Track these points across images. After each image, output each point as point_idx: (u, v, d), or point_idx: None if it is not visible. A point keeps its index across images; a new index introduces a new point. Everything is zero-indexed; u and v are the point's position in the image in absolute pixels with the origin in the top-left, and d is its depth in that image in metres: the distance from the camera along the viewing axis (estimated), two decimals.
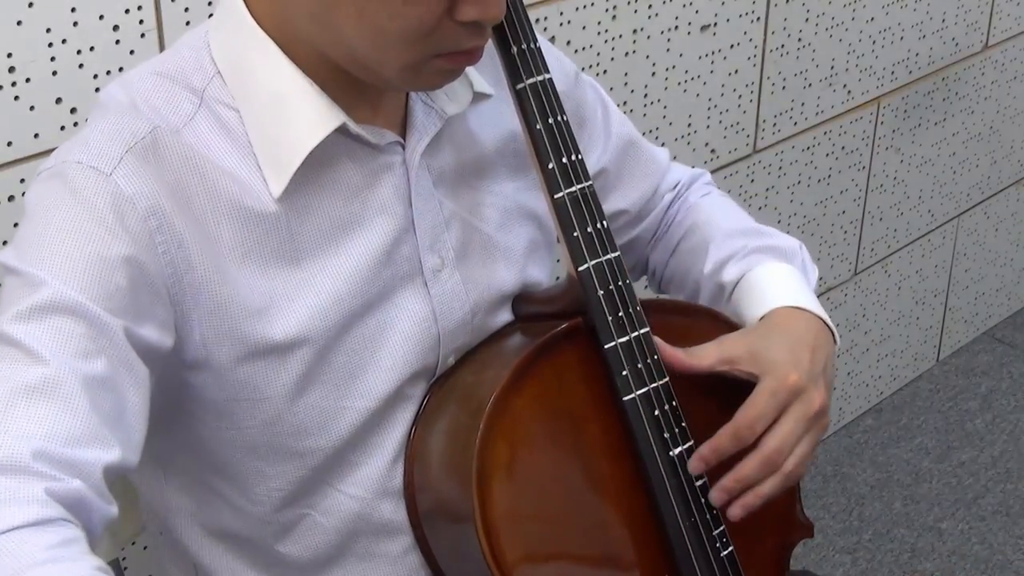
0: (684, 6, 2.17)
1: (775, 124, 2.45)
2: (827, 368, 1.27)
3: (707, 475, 1.22)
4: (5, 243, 1.52)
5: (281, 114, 1.12)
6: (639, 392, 1.19)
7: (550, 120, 1.19)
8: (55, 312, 1.01)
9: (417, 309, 1.21)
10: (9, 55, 1.45)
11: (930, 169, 2.88)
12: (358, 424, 1.19)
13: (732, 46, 2.29)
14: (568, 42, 2.01)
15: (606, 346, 1.18)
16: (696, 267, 1.40)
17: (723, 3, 2.23)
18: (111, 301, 1.03)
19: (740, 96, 2.35)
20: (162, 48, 1.56)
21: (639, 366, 1.19)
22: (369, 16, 1.05)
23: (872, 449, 2.89)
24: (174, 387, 1.13)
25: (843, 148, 2.63)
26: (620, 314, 1.19)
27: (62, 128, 1.51)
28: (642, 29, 2.12)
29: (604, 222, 1.20)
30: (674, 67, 2.20)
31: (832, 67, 2.51)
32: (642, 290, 2.21)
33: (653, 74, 2.17)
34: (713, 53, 2.26)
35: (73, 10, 1.48)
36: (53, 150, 1.35)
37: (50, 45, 1.48)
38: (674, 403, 1.21)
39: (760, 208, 2.49)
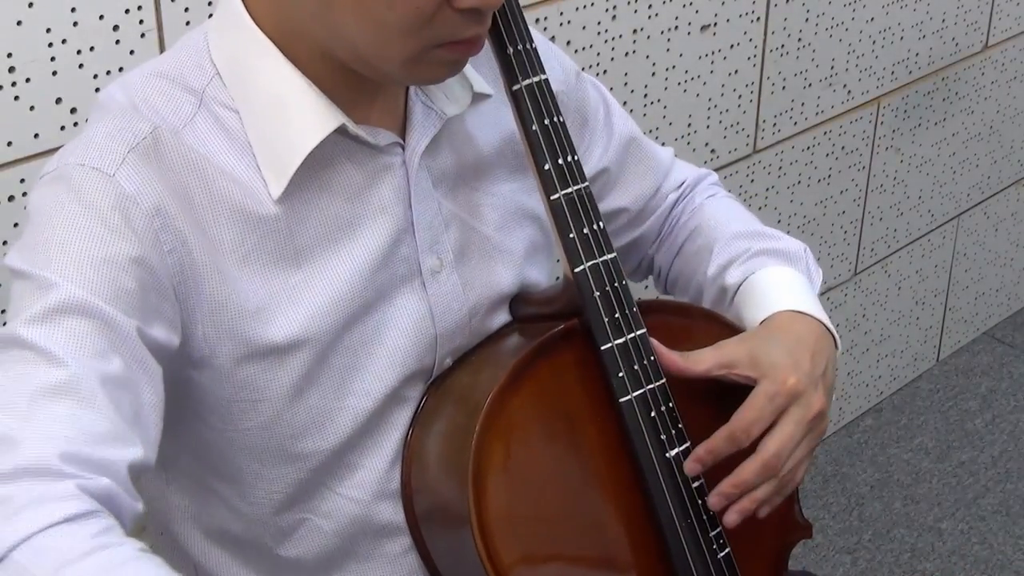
0: (684, 6, 2.17)
1: (775, 124, 2.45)
2: (827, 372, 1.26)
3: (704, 477, 1.22)
4: (5, 243, 1.52)
5: (280, 115, 1.12)
6: (635, 393, 1.19)
7: (546, 121, 1.19)
8: (68, 313, 1.01)
9: (415, 310, 1.21)
10: (9, 55, 1.45)
11: (930, 169, 2.88)
12: (356, 425, 1.19)
13: (732, 46, 2.29)
14: (568, 42, 2.01)
15: (602, 347, 1.18)
16: (700, 269, 1.40)
17: (723, 3, 2.23)
18: (121, 301, 1.03)
19: (740, 96, 2.35)
20: (162, 48, 1.57)
21: (635, 367, 1.19)
22: (368, 7, 1.04)
23: (872, 449, 2.89)
24: (178, 384, 1.13)
25: (843, 148, 2.63)
26: (616, 315, 1.19)
27: (62, 128, 1.51)
28: (642, 29, 2.12)
29: (601, 223, 1.20)
30: (674, 67, 2.20)
31: (832, 67, 2.51)
32: (642, 290, 2.22)
33: (653, 74, 2.17)
34: (713, 53, 2.26)
35: (73, 10, 1.48)
36: (53, 150, 1.36)
37: (50, 45, 1.48)
38: (671, 404, 1.21)
39: (760, 208, 2.49)
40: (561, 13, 1.99)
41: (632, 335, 1.19)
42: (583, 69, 1.40)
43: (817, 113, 2.53)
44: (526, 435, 1.17)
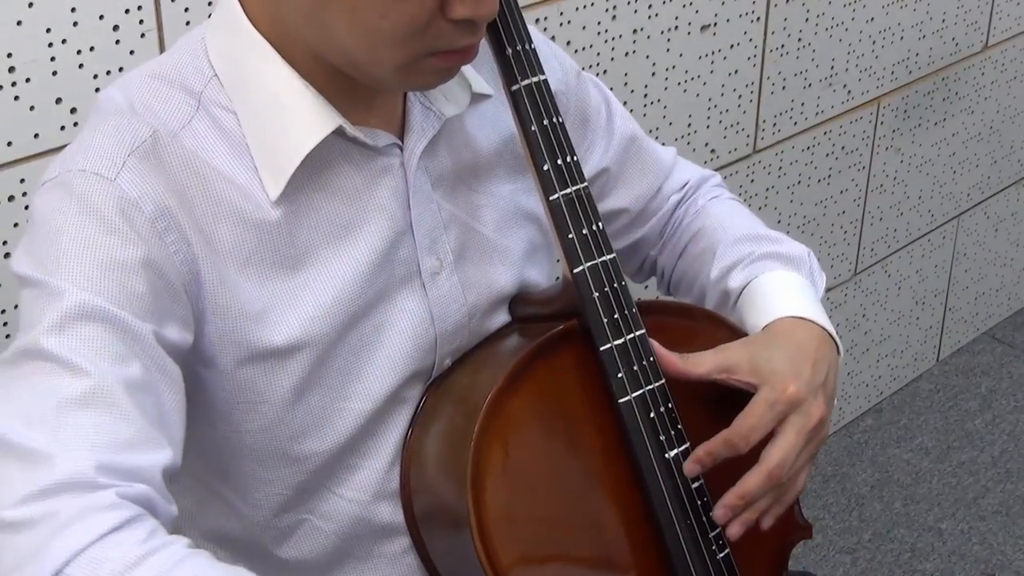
0: (684, 6, 2.17)
1: (775, 124, 2.45)
2: (828, 380, 1.26)
3: (704, 477, 1.22)
4: (5, 243, 1.52)
5: (278, 117, 1.12)
6: (635, 394, 1.19)
7: (545, 122, 1.19)
8: (84, 320, 1.01)
9: (414, 311, 1.21)
10: (9, 55, 1.45)
11: (930, 169, 2.88)
12: (356, 427, 1.19)
13: (732, 46, 2.29)
14: (568, 42, 2.01)
15: (601, 348, 1.18)
16: (703, 272, 1.39)
17: (723, 3, 2.23)
18: (134, 306, 1.03)
19: (740, 96, 2.35)
20: (162, 48, 1.57)
21: (635, 368, 1.19)
22: (361, 15, 1.04)
23: (872, 449, 2.89)
24: (188, 383, 1.13)
25: (843, 148, 2.63)
26: (616, 316, 1.19)
27: (62, 128, 1.51)
28: (642, 29, 2.12)
29: (600, 224, 1.20)
30: (674, 67, 2.20)
31: (832, 67, 2.51)
32: (642, 291, 2.22)
33: (653, 74, 2.17)
34: (713, 53, 2.26)
35: (73, 10, 1.48)
36: (53, 150, 1.36)
37: (50, 45, 1.48)
38: (670, 405, 1.21)
39: (760, 208, 2.49)
40: (561, 13, 1.99)
41: (631, 336, 1.19)
42: (583, 69, 1.40)
43: (817, 113, 2.53)
44: (525, 436, 1.17)
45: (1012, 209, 3.20)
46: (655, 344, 1.21)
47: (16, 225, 1.52)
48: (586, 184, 1.20)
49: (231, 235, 1.11)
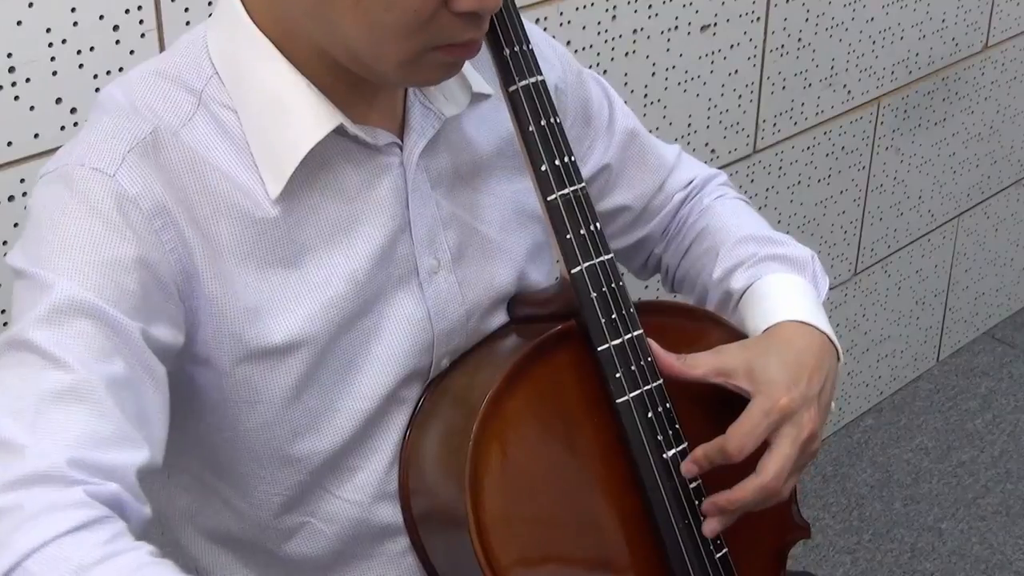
0: (684, 6, 2.17)
1: (775, 124, 2.45)
2: (825, 389, 1.26)
3: (701, 478, 1.22)
4: (5, 243, 1.53)
5: (278, 115, 1.12)
6: (632, 394, 1.19)
7: (543, 122, 1.19)
8: (72, 315, 1.01)
9: (412, 310, 1.21)
10: (9, 55, 1.45)
11: (930, 169, 2.88)
12: (354, 427, 1.19)
13: (732, 46, 2.29)
14: (568, 42, 2.01)
15: (599, 348, 1.18)
16: (705, 272, 1.39)
17: (723, 3, 2.23)
18: (124, 303, 1.03)
19: (740, 96, 2.35)
20: (162, 48, 1.57)
21: (632, 368, 1.19)
22: (365, 8, 1.04)
23: (872, 449, 2.89)
24: (181, 383, 1.13)
25: (843, 148, 2.63)
26: (613, 316, 1.19)
27: (62, 128, 1.51)
28: (642, 29, 2.12)
29: (598, 224, 1.20)
30: (674, 67, 2.20)
31: (832, 67, 2.51)
32: (642, 291, 2.22)
33: (653, 74, 2.17)
34: (713, 53, 2.26)
35: (73, 10, 1.48)
36: (53, 150, 1.35)
37: (50, 45, 1.48)
38: (668, 405, 1.21)
39: (760, 208, 2.49)
40: (561, 13, 1.99)
41: (629, 336, 1.19)
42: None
43: (817, 113, 2.53)
44: (523, 436, 1.17)
45: (1012, 209, 3.20)
46: (653, 344, 1.21)
47: (16, 225, 1.52)
48: (584, 185, 1.20)
49: (230, 232, 1.11)
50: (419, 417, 1.23)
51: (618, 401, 1.19)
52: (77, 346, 1.00)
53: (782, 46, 2.39)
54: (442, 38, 1.07)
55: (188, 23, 1.58)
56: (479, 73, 1.24)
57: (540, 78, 1.19)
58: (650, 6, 2.11)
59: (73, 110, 1.51)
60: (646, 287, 2.22)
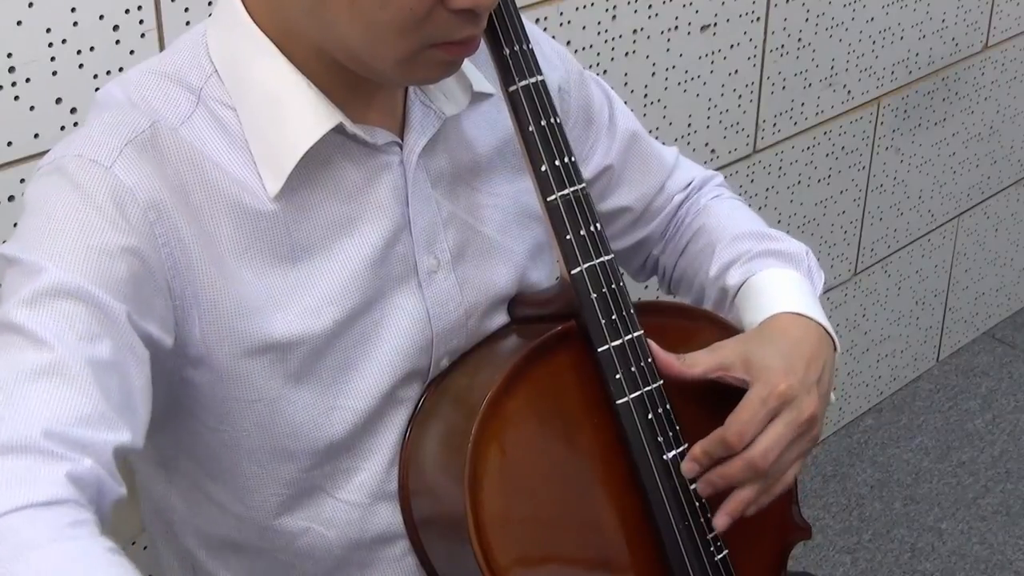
0: (684, 6, 2.17)
1: (775, 124, 2.45)
2: (823, 377, 1.26)
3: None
4: (5, 243, 1.52)
5: (277, 113, 1.12)
6: (632, 396, 1.19)
7: (543, 122, 1.19)
8: (58, 296, 1.00)
9: (411, 310, 1.20)
10: (9, 55, 1.45)
11: (930, 169, 2.88)
12: (351, 426, 1.19)
13: (732, 46, 2.29)
14: (568, 42, 2.01)
15: (599, 349, 1.18)
16: (702, 270, 1.39)
17: (723, 3, 2.23)
18: (112, 287, 1.03)
19: (740, 96, 2.35)
20: (162, 48, 1.57)
21: (632, 369, 1.19)
22: (360, 7, 1.04)
23: (872, 449, 2.89)
24: (176, 384, 1.13)
25: (843, 148, 2.63)
26: (613, 317, 1.19)
27: (62, 128, 1.51)
28: (642, 29, 2.12)
29: (598, 224, 1.20)
30: (674, 67, 2.20)
31: (832, 67, 2.51)
32: (642, 291, 2.22)
33: (653, 74, 2.17)
34: (713, 53, 2.26)
35: (73, 10, 1.48)
36: None
37: (50, 45, 1.48)
38: (667, 406, 1.21)
39: (760, 208, 2.49)
40: (561, 13, 1.99)
41: (629, 337, 1.19)
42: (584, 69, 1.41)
43: (817, 113, 2.53)
44: (523, 437, 1.17)
45: (1012, 209, 3.20)
46: (653, 345, 1.21)
47: (16, 225, 1.52)
48: (584, 185, 1.20)
49: (229, 228, 1.11)
50: (419, 417, 1.23)
51: (618, 402, 1.19)
52: (60, 327, 0.99)
53: (782, 46, 2.39)
54: (439, 35, 1.07)
55: (188, 23, 1.58)
56: (480, 72, 1.24)
57: (540, 78, 1.19)
58: (650, 6, 2.11)
59: (73, 110, 1.51)
60: (645, 287, 2.22)
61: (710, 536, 1.23)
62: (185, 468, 1.22)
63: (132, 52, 1.54)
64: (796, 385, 1.21)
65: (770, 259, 1.34)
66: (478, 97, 1.24)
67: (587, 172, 1.35)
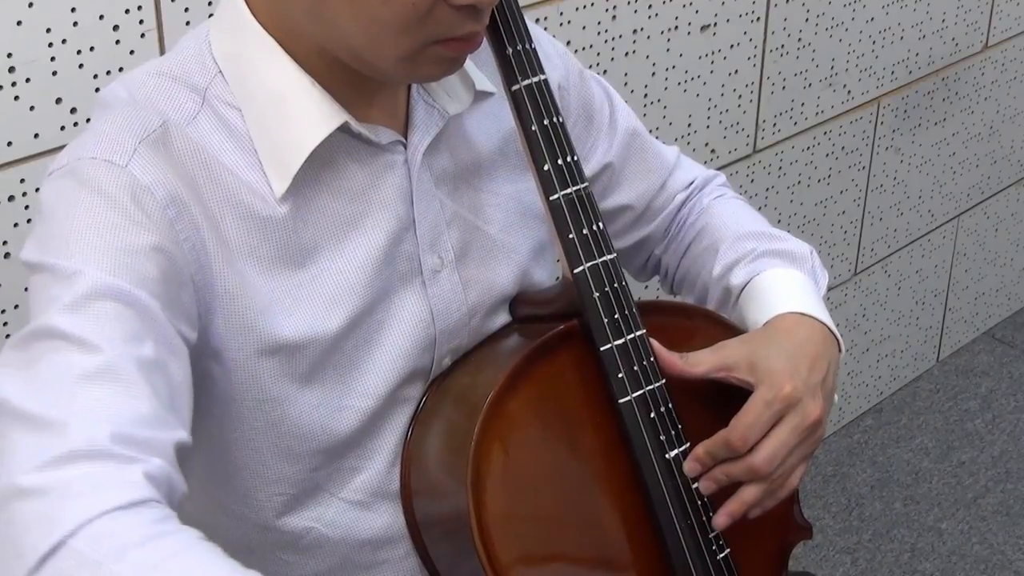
0: (684, 6, 2.17)
1: (775, 124, 2.45)
2: (827, 379, 1.25)
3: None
4: (5, 243, 1.52)
5: (282, 113, 1.12)
6: (635, 394, 1.19)
7: (545, 121, 1.19)
8: (98, 299, 1.00)
9: (415, 309, 1.20)
10: (9, 55, 1.45)
11: (930, 169, 2.88)
12: (356, 425, 1.19)
13: (732, 46, 2.29)
14: (568, 42, 2.01)
15: (602, 348, 1.18)
16: (705, 270, 1.39)
17: (723, 3, 2.23)
18: (148, 286, 1.03)
19: (740, 96, 2.35)
20: (162, 48, 1.57)
21: (635, 368, 1.19)
22: (361, 4, 1.04)
23: (872, 449, 2.89)
24: (199, 379, 1.13)
25: (843, 148, 2.63)
26: (616, 316, 1.19)
27: (62, 128, 1.51)
28: (642, 29, 2.12)
29: (601, 223, 1.20)
30: (674, 67, 2.20)
31: (832, 67, 2.51)
32: (642, 291, 2.22)
33: (653, 74, 2.17)
34: (713, 53, 2.26)
35: (73, 10, 1.48)
36: (53, 150, 1.35)
37: (50, 45, 1.48)
38: (670, 405, 1.20)
39: (760, 208, 2.49)
40: (561, 13, 1.99)
41: (631, 336, 1.19)
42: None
43: (817, 113, 2.53)
44: (525, 436, 1.17)
45: (1012, 209, 3.20)
46: (655, 344, 1.21)
47: (16, 225, 1.52)
48: (587, 184, 1.20)
49: (237, 228, 1.11)
50: (422, 417, 1.23)
51: (620, 401, 1.18)
52: (105, 330, 0.99)
53: (782, 46, 2.39)
54: (441, 32, 1.07)
55: (188, 23, 1.58)
56: (483, 72, 1.24)
57: (543, 77, 1.19)
58: (650, 6, 2.11)
59: (73, 110, 1.51)
60: (646, 287, 2.22)
61: (712, 535, 1.23)
62: (191, 468, 1.22)
63: (132, 52, 1.54)
64: (801, 388, 1.21)
65: (774, 259, 1.34)
66: (480, 96, 1.24)
67: (587, 170, 1.35)
